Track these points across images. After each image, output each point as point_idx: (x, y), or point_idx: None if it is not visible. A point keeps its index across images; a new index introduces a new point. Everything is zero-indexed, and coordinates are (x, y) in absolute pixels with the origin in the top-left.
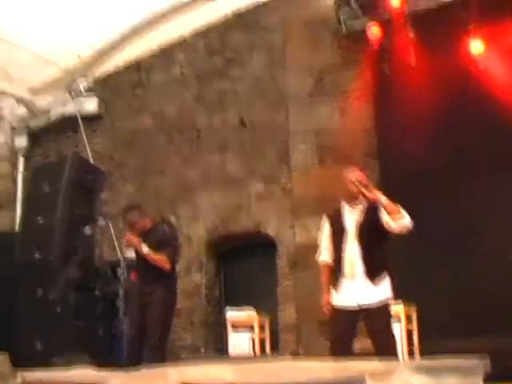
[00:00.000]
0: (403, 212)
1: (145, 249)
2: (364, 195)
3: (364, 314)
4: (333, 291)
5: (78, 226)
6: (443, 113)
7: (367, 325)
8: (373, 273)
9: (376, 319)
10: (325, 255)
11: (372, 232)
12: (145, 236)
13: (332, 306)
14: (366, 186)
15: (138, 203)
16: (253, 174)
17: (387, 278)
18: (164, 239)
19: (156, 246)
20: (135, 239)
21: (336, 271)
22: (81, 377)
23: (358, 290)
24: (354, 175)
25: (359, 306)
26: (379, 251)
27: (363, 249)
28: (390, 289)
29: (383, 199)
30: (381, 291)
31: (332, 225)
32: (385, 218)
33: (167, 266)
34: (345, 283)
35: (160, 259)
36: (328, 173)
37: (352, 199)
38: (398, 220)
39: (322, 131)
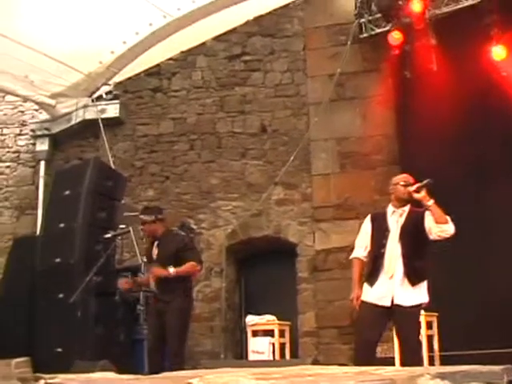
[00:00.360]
0: (448, 219)
1: (171, 270)
2: (411, 196)
3: (396, 314)
4: (366, 286)
5: (98, 230)
6: (465, 118)
7: (397, 326)
8: (412, 275)
9: (408, 322)
10: (359, 252)
11: (415, 235)
12: (159, 242)
13: (362, 301)
14: (415, 187)
15: (157, 207)
16: (273, 180)
17: (425, 284)
18: (183, 245)
19: (175, 253)
20: (158, 271)
21: (371, 268)
22: (103, 381)
23: (395, 288)
24: (402, 178)
25: (393, 304)
26: (421, 255)
27: (405, 250)
28: (426, 295)
29: (431, 202)
30: (418, 295)
31: (374, 225)
32: (428, 223)
33: (198, 268)
34: (381, 279)
35: (190, 268)
36: (349, 179)
37: (398, 202)
38: (440, 225)
39: (343, 137)
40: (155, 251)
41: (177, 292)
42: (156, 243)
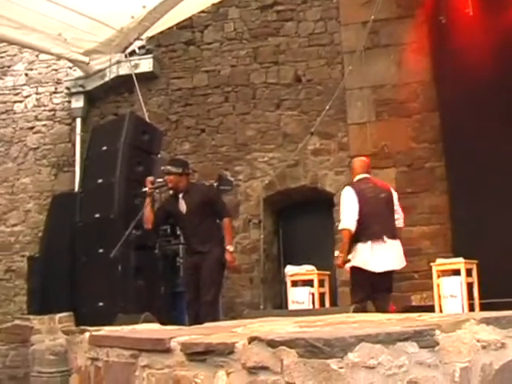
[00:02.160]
0: None
1: (230, 249)
2: None
3: None
4: None
5: (137, 185)
6: (501, 63)
7: None
8: None
9: None
10: None
11: None
12: (184, 194)
13: None
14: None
15: (185, 161)
16: (309, 130)
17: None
18: (208, 197)
19: (202, 205)
20: (231, 258)
21: None
22: (146, 332)
23: None
24: None
25: None
26: None
27: None
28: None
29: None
30: None
31: None
32: None
33: (231, 218)
34: None
35: (230, 228)
36: (385, 127)
37: None
38: None
39: (379, 85)
40: (183, 204)
41: (212, 242)
42: (181, 196)
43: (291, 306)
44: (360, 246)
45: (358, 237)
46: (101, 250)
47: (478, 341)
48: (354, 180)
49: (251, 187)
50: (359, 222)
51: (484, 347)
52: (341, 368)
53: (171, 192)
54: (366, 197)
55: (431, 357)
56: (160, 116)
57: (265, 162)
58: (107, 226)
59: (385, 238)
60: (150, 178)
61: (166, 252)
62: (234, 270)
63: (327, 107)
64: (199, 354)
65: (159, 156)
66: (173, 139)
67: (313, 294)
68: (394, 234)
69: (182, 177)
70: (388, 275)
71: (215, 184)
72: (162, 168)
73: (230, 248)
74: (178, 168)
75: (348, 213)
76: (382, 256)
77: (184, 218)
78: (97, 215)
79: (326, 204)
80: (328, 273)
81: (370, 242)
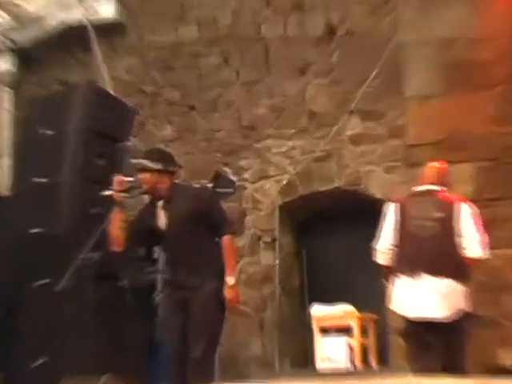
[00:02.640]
0: None
1: (231, 281)
2: None
3: None
4: None
5: (95, 186)
6: None
7: None
8: None
9: None
10: None
11: None
12: (166, 202)
13: None
14: None
15: (169, 153)
16: (347, 108)
17: None
18: (203, 205)
19: (192, 217)
20: (233, 295)
21: None
22: None
23: None
24: None
25: None
26: None
27: None
28: None
29: None
30: None
31: None
32: None
33: (234, 236)
34: None
35: (233, 251)
36: (457, 103)
37: None
38: None
39: (449, 41)
40: (161, 216)
41: (207, 272)
42: (160, 204)
43: (320, 365)
44: (396, 281)
45: (394, 270)
46: (42, 281)
47: None
48: (413, 191)
49: (262, 190)
50: (396, 250)
51: None
52: None
53: (147, 198)
54: (409, 216)
55: None
56: (130, 86)
57: (282, 154)
58: (51, 245)
59: (421, 274)
60: (118, 178)
61: (138, 283)
62: (236, 311)
63: (373, 74)
64: None
65: (129, 144)
66: (148, 120)
67: (352, 347)
68: (438, 268)
69: (162, 176)
70: (436, 327)
71: (210, 186)
72: (134, 162)
73: (230, 280)
74: (157, 163)
75: (380, 239)
76: (414, 298)
77: (164, 235)
78: (35, 230)
79: (371, 214)
80: (374, 316)
81: (403, 278)
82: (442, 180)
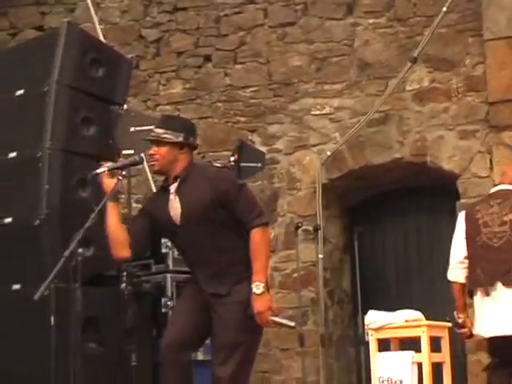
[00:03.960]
0: None
1: (260, 288)
2: None
3: None
4: None
5: (83, 161)
6: None
7: None
8: None
9: None
10: None
11: None
12: (179, 185)
13: None
14: None
15: (189, 121)
16: (409, 54)
17: None
18: (224, 189)
19: (212, 206)
20: (263, 304)
21: None
22: None
23: None
24: None
25: None
26: None
27: None
28: None
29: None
30: None
31: None
32: None
33: (268, 233)
34: None
35: (263, 248)
36: None
37: None
38: None
39: None
40: (174, 204)
41: (234, 278)
42: (173, 189)
43: None
44: (474, 299)
45: (466, 286)
46: (16, 287)
47: None
48: (488, 194)
49: (300, 164)
50: (468, 264)
51: None
52: None
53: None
54: (478, 224)
55: None
56: (126, 31)
57: (325, 117)
58: (27, 239)
59: (497, 286)
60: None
61: (142, 288)
62: (270, 324)
63: (444, 9)
64: None
65: (125, 107)
66: (152, 75)
67: (420, 365)
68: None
69: (181, 151)
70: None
71: (232, 159)
72: (149, 131)
73: (258, 288)
74: (178, 134)
75: (451, 255)
76: (490, 314)
77: (178, 230)
78: (7, 220)
79: (444, 193)
80: (448, 324)
81: (479, 294)
82: None
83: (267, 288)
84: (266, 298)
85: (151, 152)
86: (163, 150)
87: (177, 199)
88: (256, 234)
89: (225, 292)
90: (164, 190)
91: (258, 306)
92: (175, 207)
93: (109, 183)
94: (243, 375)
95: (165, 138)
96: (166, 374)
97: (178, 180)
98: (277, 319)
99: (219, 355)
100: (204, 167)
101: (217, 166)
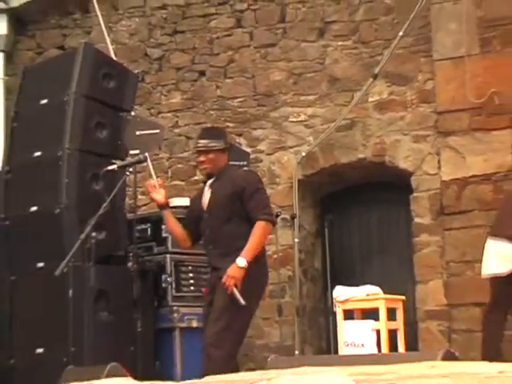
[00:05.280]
0: None
1: (241, 263)
2: None
3: None
4: None
5: (97, 160)
6: None
7: None
8: None
9: None
10: None
11: None
12: (213, 181)
13: None
14: None
15: (222, 129)
16: (371, 71)
17: None
18: (241, 187)
19: (230, 199)
20: (233, 273)
21: None
22: None
23: None
24: None
25: None
26: None
27: None
28: None
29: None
30: None
31: None
32: None
33: (270, 227)
34: None
35: (260, 235)
36: (496, 64)
37: None
38: None
39: None
40: (206, 195)
41: (236, 253)
42: (209, 183)
43: (344, 351)
44: None
45: None
46: (40, 265)
47: None
48: None
49: (279, 163)
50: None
51: None
52: None
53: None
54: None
55: None
56: (134, 50)
57: (301, 123)
58: (50, 225)
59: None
60: (151, 183)
61: (145, 266)
62: (229, 286)
63: (400, 33)
64: None
65: (132, 114)
66: (155, 87)
67: (378, 332)
68: None
69: (223, 154)
70: None
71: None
72: (197, 142)
73: (241, 261)
74: (220, 141)
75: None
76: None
77: (204, 214)
78: (33, 208)
79: (399, 189)
80: (402, 297)
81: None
82: None
83: (247, 268)
84: (241, 271)
85: (201, 159)
86: (211, 155)
87: (209, 191)
88: (259, 224)
89: (227, 266)
90: (204, 185)
91: (232, 271)
92: (206, 197)
93: (156, 197)
94: (226, 336)
95: (212, 146)
96: None
97: (214, 177)
98: (236, 292)
99: (212, 316)
100: (235, 169)
101: (244, 170)
